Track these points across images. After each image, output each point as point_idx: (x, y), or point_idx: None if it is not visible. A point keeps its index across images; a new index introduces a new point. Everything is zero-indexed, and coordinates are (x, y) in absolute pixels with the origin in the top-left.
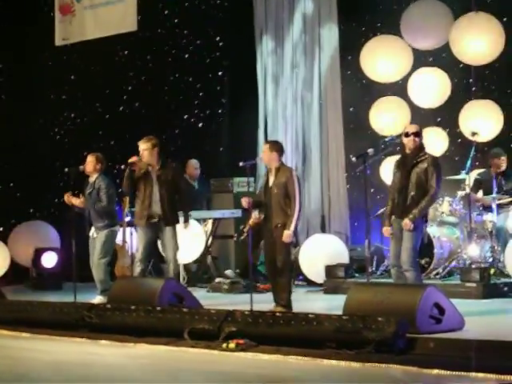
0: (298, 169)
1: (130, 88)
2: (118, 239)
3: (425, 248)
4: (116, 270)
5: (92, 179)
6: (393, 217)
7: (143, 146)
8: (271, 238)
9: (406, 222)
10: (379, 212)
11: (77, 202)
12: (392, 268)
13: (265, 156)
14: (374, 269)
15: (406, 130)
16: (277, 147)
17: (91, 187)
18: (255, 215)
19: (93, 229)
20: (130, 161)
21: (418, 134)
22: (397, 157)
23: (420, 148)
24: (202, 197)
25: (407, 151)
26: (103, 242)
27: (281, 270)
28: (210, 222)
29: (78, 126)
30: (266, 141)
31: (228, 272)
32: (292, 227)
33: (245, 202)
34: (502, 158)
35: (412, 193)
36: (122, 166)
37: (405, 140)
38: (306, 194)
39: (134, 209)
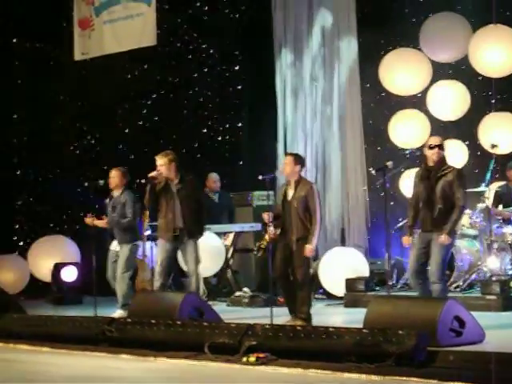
0: (317, 182)
1: (149, 102)
2: (139, 253)
3: None
4: (136, 284)
5: (116, 193)
6: (418, 231)
7: (160, 161)
8: (287, 251)
9: (444, 238)
10: (399, 225)
11: (100, 223)
12: (412, 278)
13: (287, 168)
14: (394, 282)
15: (430, 143)
16: (300, 160)
17: (116, 202)
18: (271, 230)
19: (115, 242)
20: (150, 175)
21: (441, 147)
22: (416, 169)
23: (443, 160)
24: (224, 210)
25: (430, 164)
26: (127, 256)
27: (301, 284)
28: (231, 235)
29: (97, 140)
30: (289, 153)
31: (245, 289)
32: (314, 241)
33: (266, 216)
34: None
35: (439, 206)
36: (142, 181)
37: (428, 153)
38: (325, 206)
39: (153, 223)
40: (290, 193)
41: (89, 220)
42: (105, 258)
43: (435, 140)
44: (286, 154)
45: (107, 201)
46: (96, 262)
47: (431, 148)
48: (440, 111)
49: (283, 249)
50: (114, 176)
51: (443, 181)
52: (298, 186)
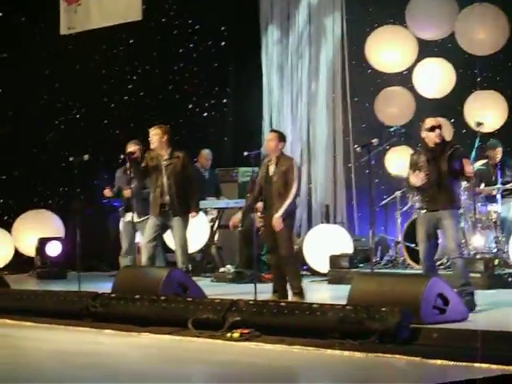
0: (303, 159)
1: (134, 78)
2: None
3: None
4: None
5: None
6: (423, 211)
7: (154, 131)
8: (272, 227)
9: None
10: (383, 202)
11: (126, 193)
12: (426, 261)
13: (271, 144)
14: (378, 259)
15: (430, 125)
16: (283, 137)
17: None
18: (258, 217)
19: (130, 214)
20: (128, 150)
21: (440, 127)
22: (402, 148)
23: (444, 139)
24: (211, 187)
25: (431, 145)
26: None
27: (287, 259)
28: (215, 211)
29: (82, 115)
30: (273, 130)
31: (228, 266)
32: (281, 211)
33: (232, 224)
34: (498, 149)
35: (448, 184)
36: (122, 156)
37: (430, 135)
38: (311, 184)
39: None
40: (272, 168)
41: (108, 192)
42: (89, 233)
43: (435, 121)
44: (270, 131)
45: (120, 173)
46: (80, 236)
47: (432, 130)
48: (426, 89)
49: (267, 225)
50: (155, 134)
51: (450, 159)
52: (279, 162)
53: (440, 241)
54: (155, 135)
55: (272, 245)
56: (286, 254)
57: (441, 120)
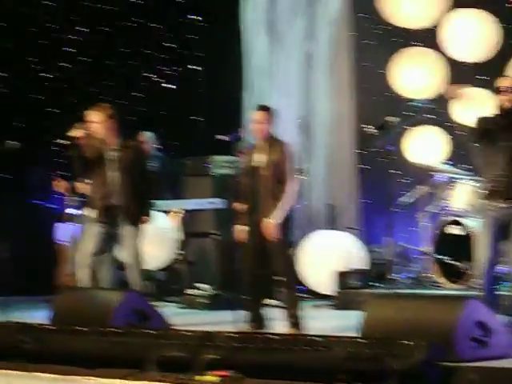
0: (295, 144)
1: (76, 37)
2: (61, 237)
3: (458, 247)
4: (61, 278)
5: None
6: (491, 205)
7: (95, 117)
8: (257, 236)
9: None
10: (404, 200)
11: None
12: (487, 275)
13: (259, 126)
14: (398, 276)
15: (500, 85)
16: (273, 115)
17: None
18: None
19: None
20: (72, 134)
21: None
22: (428, 128)
23: None
24: (163, 180)
25: (500, 112)
26: None
27: (287, 278)
28: (179, 214)
29: (7, 88)
30: (260, 105)
31: (203, 286)
32: (278, 216)
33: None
34: None
35: None
36: (62, 142)
37: (499, 97)
38: (307, 176)
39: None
40: (259, 158)
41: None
42: (18, 244)
43: (507, 81)
44: (257, 106)
45: None
46: (11, 248)
47: (503, 92)
48: (459, 49)
49: (252, 233)
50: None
51: None
52: (268, 149)
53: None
54: (98, 123)
55: (258, 260)
56: (283, 271)
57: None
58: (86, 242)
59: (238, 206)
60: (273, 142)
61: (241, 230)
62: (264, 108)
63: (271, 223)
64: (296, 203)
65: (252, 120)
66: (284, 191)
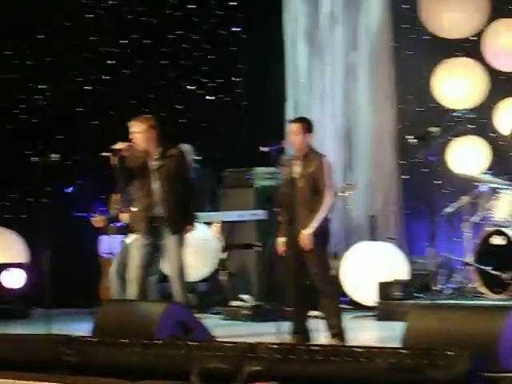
0: (337, 155)
1: (115, 50)
2: (104, 250)
3: (501, 257)
4: (100, 291)
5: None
6: None
7: (136, 127)
8: (296, 248)
9: None
10: (447, 210)
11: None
12: None
13: (296, 139)
14: (441, 287)
15: None
16: (311, 127)
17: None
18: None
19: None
20: (116, 147)
21: None
22: (471, 139)
23: None
24: (203, 192)
25: None
26: None
27: (324, 290)
28: (218, 225)
29: (48, 100)
30: (295, 118)
31: (245, 297)
32: (313, 226)
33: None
34: None
35: None
36: (106, 154)
37: None
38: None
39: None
40: (297, 170)
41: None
42: (62, 256)
43: None
44: (291, 120)
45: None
46: (51, 262)
47: None
48: (501, 59)
49: (291, 245)
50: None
51: None
52: (305, 161)
53: None
54: (139, 133)
55: (297, 271)
56: (320, 282)
57: None
58: (133, 256)
59: (279, 217)
60: (309, 154)
61: (282, 242)
62: (299, 120)
63: (305, 234)
64: (332, 215)
65: (288, 132)
66: (320, 203)
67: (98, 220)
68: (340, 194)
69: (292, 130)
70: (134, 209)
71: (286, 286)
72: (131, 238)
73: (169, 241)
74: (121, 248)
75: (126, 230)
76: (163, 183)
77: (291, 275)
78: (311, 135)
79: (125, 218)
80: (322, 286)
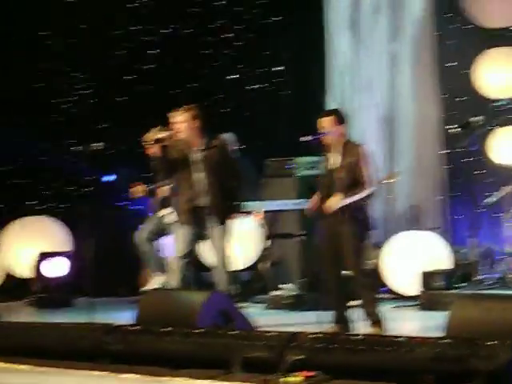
0: (381, 144)
1: (157, 39)
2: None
3: None
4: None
5: None
6: None
7: (180, 117)
8: (334, 238)
9: None
10: (490, 200)
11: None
12: None
13: (332, 131)
14: (484, 276)
15: None
16: (342, 118)
17: None
18: None
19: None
20: (158, 136)
21: None
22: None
23: None
24: (244, 181)
25: None
26: None
27: (359, 279)
28: (260, 215)
29: (92, 90)
30: (328, 111)
31: (288, 286)
32: (348, 197)
33: None
34: None
35: None
36: (148, 143)
37: None
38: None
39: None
40: (334, 160)
41: (139, 190)
42: (104, 246)
43: None
44: (321, 114)
45: None
46: (97, 250)
47: None
48: None
49: (328, 235)
50: None
51: None
52: (343, 151)
53: None
54: (183, 123)
55: (333, 259)
56: (356, 271)
57: None
58: (176, 245)
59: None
60: (347, 144)
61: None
62: (330, 112)
63: (331, 200)
64: (373, 205)
65: (320, 126)
66: (359, 192)
67: (137, 189)
68: (385, 181)
69: (322, 123)
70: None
71: (325, 276)
72: (169, 218)
73: (214, 231)
74: (151, 219)
75: (161, 205)
76: (209, 174)
77: (327, 265)
78: (345, 125)
79: (162, 192)
80: (359, 274)
